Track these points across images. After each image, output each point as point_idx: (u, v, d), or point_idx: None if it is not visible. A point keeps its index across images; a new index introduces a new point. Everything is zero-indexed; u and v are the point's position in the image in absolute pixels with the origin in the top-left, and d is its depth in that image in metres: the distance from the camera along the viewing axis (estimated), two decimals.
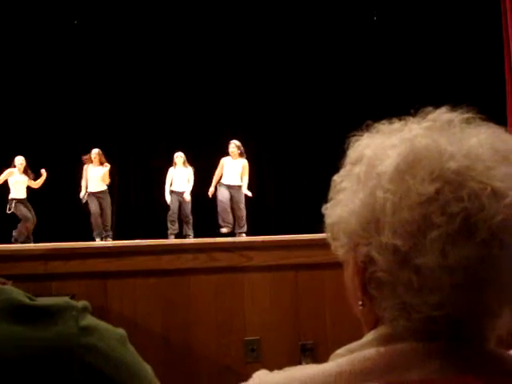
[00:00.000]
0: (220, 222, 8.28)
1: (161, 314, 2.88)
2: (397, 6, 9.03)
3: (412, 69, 8.95)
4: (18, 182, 8.50)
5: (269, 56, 9.34)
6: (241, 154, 8.40)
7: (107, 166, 8.54)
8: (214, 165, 8.46)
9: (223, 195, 8.25)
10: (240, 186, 8.35)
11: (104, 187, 8.63)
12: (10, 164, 8.54)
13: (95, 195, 8.57)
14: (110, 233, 8.65)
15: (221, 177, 8.39)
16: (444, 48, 8.80)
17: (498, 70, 7.80)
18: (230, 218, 8.29)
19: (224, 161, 8.44)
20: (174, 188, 8.63)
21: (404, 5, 8.95)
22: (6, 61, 8.88)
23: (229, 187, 8.29)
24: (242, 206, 8.38)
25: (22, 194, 8.52)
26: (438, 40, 8.80)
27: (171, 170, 8.69)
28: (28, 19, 8.88)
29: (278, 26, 9.13)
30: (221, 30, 9.17)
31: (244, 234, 8.22)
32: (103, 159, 8.58)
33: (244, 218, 8.39)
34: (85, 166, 8.61)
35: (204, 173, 8.64)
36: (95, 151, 8.56)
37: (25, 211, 8.42)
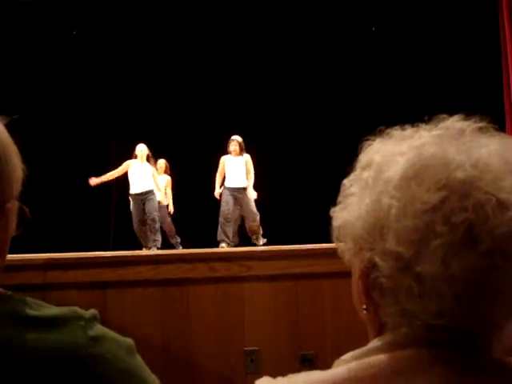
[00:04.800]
0: (221, 236, 7.20)
1: (160, 324, 2.87)
2: (395, 17, 9.08)
3: (411, 78, 8.98)
4: (139, 172, 7.25)
5: (275, 65, 9.27)
6: (242, 150, 7.27)
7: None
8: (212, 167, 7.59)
9: (227, 202, 7.12)
10: (245, 188, 7.21)
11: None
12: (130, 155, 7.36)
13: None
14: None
15: (223, 178, 7.28)
16: (443, 57, 8.85)
17: (496, 79, 7.84)
18: (231, 230, 7.22)
19: (225, 159, 7.26)
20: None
21: (402, 15, 9.00)
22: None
23: (233, 191, 7.15)
24: (254, 209, 7.26)
25: (144, 187, 7.26)
26: (437, 49, 8.85)
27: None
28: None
29: (281, 34, 9.12)
30: (223, 46, 9.15)
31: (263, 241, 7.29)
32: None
33: (258, 221, 7.31)
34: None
35: (201, 176, 8.06)
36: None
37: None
